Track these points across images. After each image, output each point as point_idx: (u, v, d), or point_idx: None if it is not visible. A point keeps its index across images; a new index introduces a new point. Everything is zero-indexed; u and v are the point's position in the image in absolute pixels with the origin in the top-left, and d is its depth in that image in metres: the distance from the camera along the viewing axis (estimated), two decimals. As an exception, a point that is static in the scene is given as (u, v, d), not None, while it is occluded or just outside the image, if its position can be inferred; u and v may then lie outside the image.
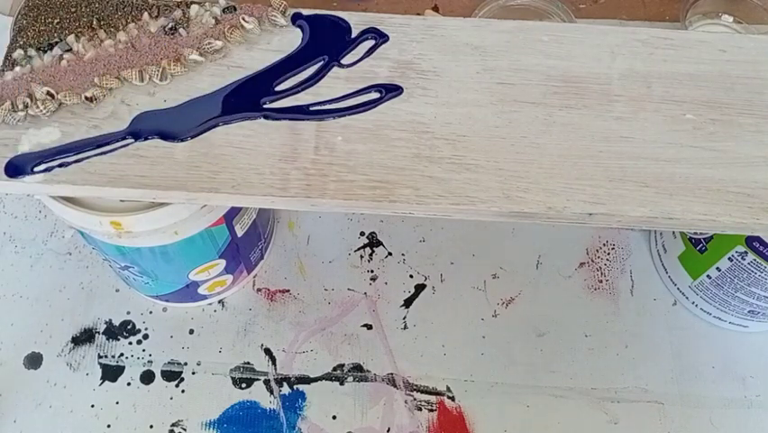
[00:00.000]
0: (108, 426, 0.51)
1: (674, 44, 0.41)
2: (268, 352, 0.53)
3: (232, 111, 0.38)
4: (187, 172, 0.36)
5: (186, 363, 0.53)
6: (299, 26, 0.41)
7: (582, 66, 0.40)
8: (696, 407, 0.52)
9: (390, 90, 0.39)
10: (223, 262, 0.50)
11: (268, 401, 0.52)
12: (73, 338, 0.54)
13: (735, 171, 0.37)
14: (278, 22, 0.41)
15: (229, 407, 0.51)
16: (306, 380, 0.52)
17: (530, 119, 0.39)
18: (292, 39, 0.41)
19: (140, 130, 0.38)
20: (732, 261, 0.48)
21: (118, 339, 0.54)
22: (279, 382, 0.52)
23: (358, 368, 0.53)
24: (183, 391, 0.52)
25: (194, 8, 0.41)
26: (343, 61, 0.40)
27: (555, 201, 0.36)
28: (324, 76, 0.40)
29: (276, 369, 0.53)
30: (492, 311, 0.55)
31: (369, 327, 0.54)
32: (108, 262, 0.50)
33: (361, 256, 0.57)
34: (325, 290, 0.56)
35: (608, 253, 0.58)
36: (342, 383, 0.52)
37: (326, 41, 0.41)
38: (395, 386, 0.52)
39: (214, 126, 0.38)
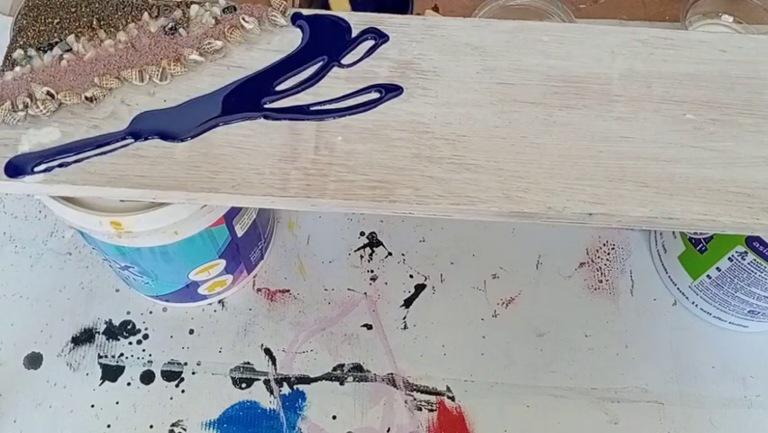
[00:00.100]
0: (108, 426, 0.51)
1: (674, 44, 0.41)
2: (268, 352, 0.53)
3: (232, 111, 0.38)
4: (187, 172, 0.36)
5: (186, 363, 0.53)
6: (299, 26, 0.41)
7: (582, 66, 0.40)
8: (696, 407, 0.52)
9: (390, 90, 0.39)
10: (223, 262, 0.50)
11: (268, 401, 0.52)
12: (73, 338, 0.54)
13: (735, 171, 0.37)
14: (278, 22, 0.41)
15: (229, 407, 0.51)
16: (306, 380, 0.52)
17: (530, 119, 0.39)
18: (292, 39, 0.41)
19: (140, 130, 0.38)
20: (732, 261, 0.48)
21: (118, 339, 0.54)
22: (279, 382, 0.52)
23: (358, 368, 0.53)
24: (183, 391, 0.52)
25: (194, 8, 0.41)
26: (343, 61, 0.40)
27: (555, 201, 0.36)
28: (324, 76, 0.40)
29: (276, 369, 0.53)
30: (492, 311, 0.55)
31: (369, 327, 0.54)
32: (108, 262, 0.50)
33: (361, 256, 0.57)
34: (325, 290, 0.56)
35: (608, 253, 0.58)
36: (342, 383, 0.52)
37: (326, 41, 0.40)
38: (395, 386, 0.52)
39: (214, 126, 0.38)
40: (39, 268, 0.56)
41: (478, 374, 0.53)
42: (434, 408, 0.52)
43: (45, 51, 0.40)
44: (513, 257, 0.57)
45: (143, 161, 0.37)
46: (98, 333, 0.54)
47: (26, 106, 0.37)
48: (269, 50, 0.40)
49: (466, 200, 0.36)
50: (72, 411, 0.51)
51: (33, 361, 0.53)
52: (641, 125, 0.39)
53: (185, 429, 0.51)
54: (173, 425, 0.51)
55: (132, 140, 0.37)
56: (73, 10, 0.41)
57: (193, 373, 0.53)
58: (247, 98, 0.39)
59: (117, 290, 0.55)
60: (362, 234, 0.58)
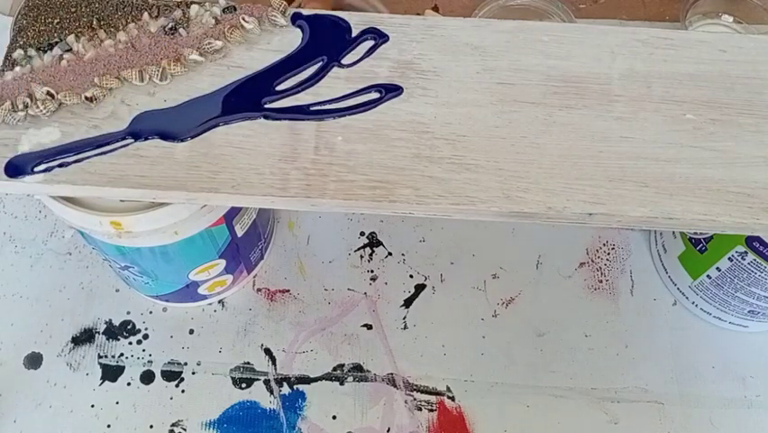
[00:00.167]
0: (108, 426, 0.51)
1: (674, 44, 0.41)
2: (268, 352, 0.53)
3: (232, 111, 0.38)
4: (187, 172, 0.36)
5: (186, 364, 0.53)
6: (299, 26, 0.41)
7: (582, 66, 0.40)
8: (696, 407, 0.52)
9: (390, 90, 0.39)
10: (223, 262, 0.50)
11: (268, 401, 0.52)
12: (73, 338, 0.54)
13: (735, 171, 0.37)
14: (278, 22, 0.41)
15: (229, 407, 0.51)
16: (306, 380, 0.52)
17: (530, 119, 0.39)
18: (292, 39, 0.41)
19: (140, 130, 0.38)
20: (732, 261, 0.48)
21: (118, 339, 0.54)
22: (279, 382, 0.52)
23: (358, 368, 0.53)
24: (183, 391, 0.52)
25: (194, 8, 0.41)
26: (343, 61, 0.40)
27: (555, 201, 0.36)
28: (324, 76, 0.40)
29: (276, 369, 0.53)
30: (492, 311, 0.55)
31: (369, 327, 0.54)
32: (108, 262, 0.50)
33: (361, 256, 0.57)
34: (325, 290, 0.56)
35: (608, 253, 0.58)
36: (342, 383, 0.52)
37: (326, 41, 0.40)
38: (395, 386, 0.52)
39: (214, 126, 0.38)
40: (39, 268, 0.56)
41: (478, 374, 0.53)
42: (434, 408, 0.52)
43: (45, 51, 0.40)
44: (513, 257, 0.57)
45: (143, 161, 0.37)
46: (98, 333, 0.54)
47: (26, 106, 0.37)
48: (269, 50, 0.40)
49: (466, 200, 0.36)
50: (72, 411, 0.51)
51: (33, 361, 0.53)
52: (641, 125, 0.39)
53: (185, 429, 0.51)
54: (173, 425, 0.51)
55: (132, 140, 0.37)
56: (73, 10, 0.41)
57: (193, 373, 0.53)
58: (247, 98, 0.39)
59: (117, 290, 0.55)
60: (362, 234, 0.58)
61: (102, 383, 0.52)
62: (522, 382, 0.52)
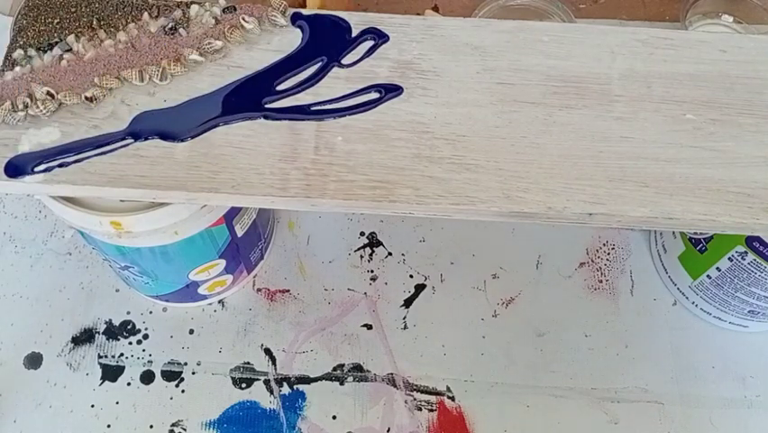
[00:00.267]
0: (108, 426, 0.51)
1: (674, 44, 0.41)
2: (268, 352, 0.53)
3: (232, 111, 0.38)
4: (187, 172, 0.36)
5: (186, 363, 0.53)
6: (299, 26, 0.41)
7: (582, 66, 0.40)
8: (696, 407, 0.52)
9: (390, 90, 0.39)
10: (223, 262, 0.50)
11: (268, 401, 0.52)
12: (73, 338, 0.54)
13: (735, 171, 0.37)
14: (278, 22, 0.41)
15: (229, 407, 0.51)
16: (306, 380, 0.52)
17: (530, 119, 0.39)
18: (292, 39, 0.41)
19: (140, 130, 0.38)
20: (732, 261, 0.48)
21: (118, 339, 0.54)
22: (279, 382, 0.52)
23: (358, 368, 0.53)
24: (183, 391, 0.52)
25: (194, 8, 0.41)
26: (343, 61, 0.40)
27: (555, 201, 0.36)
28: (324, 76, 0.40)
29: (276, 369, 0.53)
30: (492, 311, 0.55)
31: (369, 327, 0.54)
32: (108, 262, 0.50)
33: (361, 256, 0.57)
34: (325, 290, 0.56)
35: (608, 253, 0.58)
36: (342, 383, 0.52)
37: (326, 41, 0.40)
38: (395, 386, 0.52)
39: (215, 126, 0.38)
40: (39, 268, 0.56)
41: (478, 374, 0.53)
42: (434, 408, 0.52)
43: (45, 51, 0.40)
44: (513, 257, 0.57)
45: (143, 161, 0.37)
46: (98, 333, 0.54)
47: (26, 106, 0.37)
48: (269, 50, 0.40)
49: (466, 200, 0.36)
50: (72, 411, 0.51)
51: (33, 361, 0.53)
52: (641, 125, 0.39)
53: (185, 429, 0.51)
54: (173, 425, 0.51)
55: (132, 140, 0.37)
56: (73, 10, 0.41)
57: (193, 373, 0.53)
58: (247, 98, 0.39)
59: (117, 290, 0.55)
60: (362, 234, 0.58)
61: (102, 383, 0.52)
62: (522, 382, 0.52)
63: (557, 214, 0.36)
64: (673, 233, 0.54)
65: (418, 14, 0.51)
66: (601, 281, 0.56)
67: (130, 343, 0.54)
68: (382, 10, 0.67)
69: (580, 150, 0.38)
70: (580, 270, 0.57)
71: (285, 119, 0.38)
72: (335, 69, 0.40)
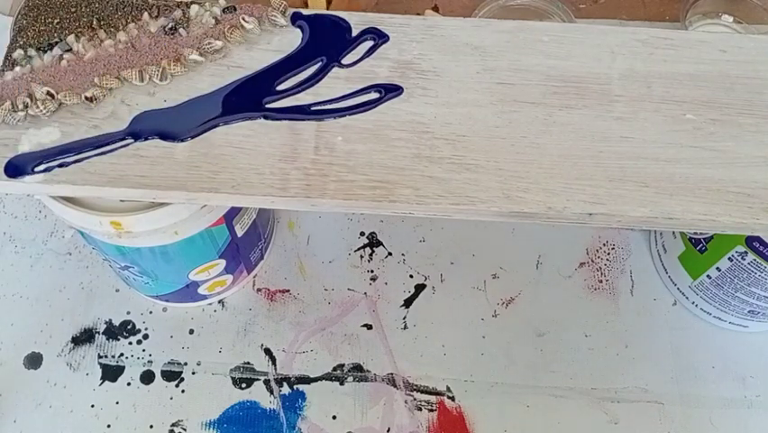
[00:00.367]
0: (108, 426, 0.51)
1: (674, 44, 0.41)
2: (268, 352, 0.53)
3: (232, 111, 0.38)
4: (187, 172, 0.36)
5: (186, 363, 0.53)
6: (299, 26, 0.41)
7: (582, 66, 0.40)
8: (696, 407, 0.52)
9: (390, 90, 0.39)
10: (223, 262, 0.50)
11: (268, 401, 0.52)
12: (73, 338, 0.54)
13: (735, 171, 0.37)
14: (278, 22, 0.41)
15: (229, 407, 0.51)
16: (306, 380, 0.52)
17: (530, 119, 0.39)
18: (292, 39, 0.41)
19: (140, 130, 0.38)
20: (732, 261, 0.48)
21: (118, 339, 0.54)
22: (279, 382, 0.52)
23: (358, 368, 0.53)
24: (183, 391, 0.52)
25: (194, 8, 0.41)
26: (343, 61, 0.40)
27: (555, 201, 0.36)
28: (324, 76, 0.40)
29: (276, 369, 0.53)
30: (492, 311, 0.55)
31: (369, 327, 0.54)
32: (108, 262, 0.50)
33: (361, 256, 0.57)
34: (325, 290, 0.56)
35: (608, 253, 0.58)
36: (342, 383, 0.52)
37: (326, 41, 0.40)
38: (395, 386, 0.52)
39: (215, 126, 0.38)
40: (39, 268, 0.56)
41: (478, 374, 0.53)
42: (434, 408, 0.52)
43: (45, 51, 0.40)
44: (513, 257, 0.57)
45: (143, 161, 0.37)
46: (98, 333, 0.54)
47: (26, 106, 0.37)
48: (269, 50, 0.40)
49: (466, 200, 0.36)
50: (72, 411, 0.51)
51: (33, 361, 0.53)
52: (641, 125, 0.39)
53: (185, 429, 0.51)
54: (173, 425, 0.51)
55: (132, 140, 0.37)
56: (73, 10, 0.41)
57: (193, 373, 0.53)
58: (247, 98, 0.39)
59: (117, 290, 0.55)
60: (362, 234, 0.58)
61: (102, 383, 0.52)
62: (522, 382, 0.52)
63: (557, 214, 0.36)
64: (673, 233, 0.54)
65: (418, 14, 0.51)
66: (601, 281, 0.56)
67: (130, 343, 0.54)
68: (382, 10, 0.67)
69: (580, 150, 0.38)
70: (580, 270, 0.57)
71: (285, 119, 0.38)
72: (335, 69, 0.40)
